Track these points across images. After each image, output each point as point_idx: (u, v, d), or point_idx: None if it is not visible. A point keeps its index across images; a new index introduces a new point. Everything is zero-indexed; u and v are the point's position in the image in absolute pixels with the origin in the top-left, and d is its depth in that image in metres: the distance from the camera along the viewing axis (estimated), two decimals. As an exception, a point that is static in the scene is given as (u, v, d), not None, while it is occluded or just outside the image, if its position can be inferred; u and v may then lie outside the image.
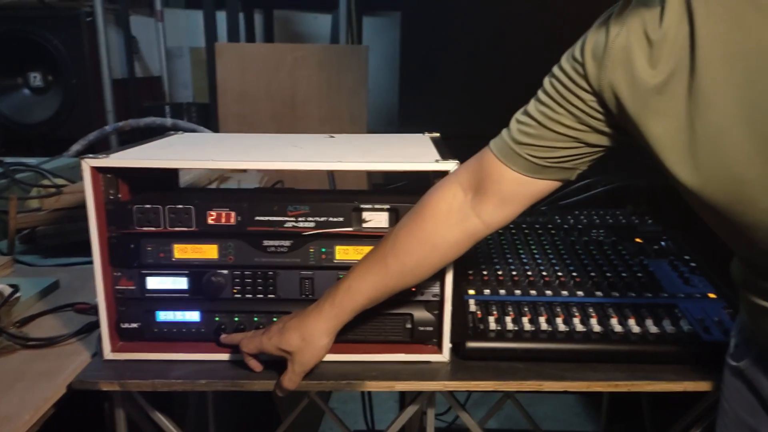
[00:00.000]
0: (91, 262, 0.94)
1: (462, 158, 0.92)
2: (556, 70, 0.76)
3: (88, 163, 0.89)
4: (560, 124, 0.75)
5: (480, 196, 0.84)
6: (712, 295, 1.10)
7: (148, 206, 0.94)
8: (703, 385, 0.95)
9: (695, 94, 0.63)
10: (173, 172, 1.21)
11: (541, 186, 0.82)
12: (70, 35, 2.84)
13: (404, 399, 1.43)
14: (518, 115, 0.81)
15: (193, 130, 2.10)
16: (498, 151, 0.81)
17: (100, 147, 2.24)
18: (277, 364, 0.94)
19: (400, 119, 2.62)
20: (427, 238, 0.87)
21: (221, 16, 2.82)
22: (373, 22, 3.44)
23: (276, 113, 2.65)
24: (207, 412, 1.57)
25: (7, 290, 1.11)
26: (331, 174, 1.44)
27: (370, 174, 2.72)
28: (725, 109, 0.62)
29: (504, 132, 0.82)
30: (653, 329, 1.01)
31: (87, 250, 0.95)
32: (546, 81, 0.77)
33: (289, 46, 2.78)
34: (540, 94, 0.78)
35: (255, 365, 0.95)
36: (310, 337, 0.89)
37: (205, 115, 2.98)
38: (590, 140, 0.76)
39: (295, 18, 3.74)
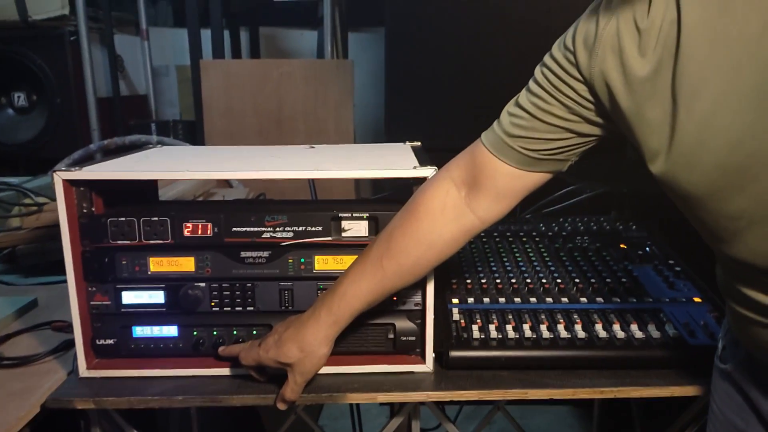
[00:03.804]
0: (70, 280, 0.92)
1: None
2: (547, 59, 0.75)
3: (60, 176, 0.88)
4: (552, 115, 0.74)
5: (474, 192, 0.83)
6: (697, 299, 1.10)
7: (122, 219, 0.92)
8: (690, 390, 0.94)
9: (681, 80, 0.63)
10: (152, 187, 1.19)
11: (535, 179, 0.81)
12: (54, 55, 2.83)
13: (394, 413, 1.41)
14: (510, 107, 0.80)
15: (178, 147, 2.08)
16: (490, 145, 0.80)
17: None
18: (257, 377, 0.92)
19: (386, 133, 2.62)
20: (422, 237, 0.85)
21: (207, 35, 2.82)
22: (359, 38, 3.46)
23: (262, 129, 2.64)
24: (191, 429, 1.54)
25: (-18, 309, 1.09)
26: (312, 185, 1.43)
27: (359, 188, 2.71)
28: (710, 95, 0.61)
29: (495, 125, 0.81)
30: (638, 334, 1.00)
31: (67, 269, 0.93)
32: (537, 71, 0.76)
33: (274, 62, 2.79)
34: (531, 84, 0.77)
35: (257, 376, 0.94)
36: (309, 348, 0.87)
37: (192, 133, 2.96)
38: (582, 130, 0.75)
39: (281, 35, 3.75)
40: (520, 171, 0.80)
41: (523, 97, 0.78)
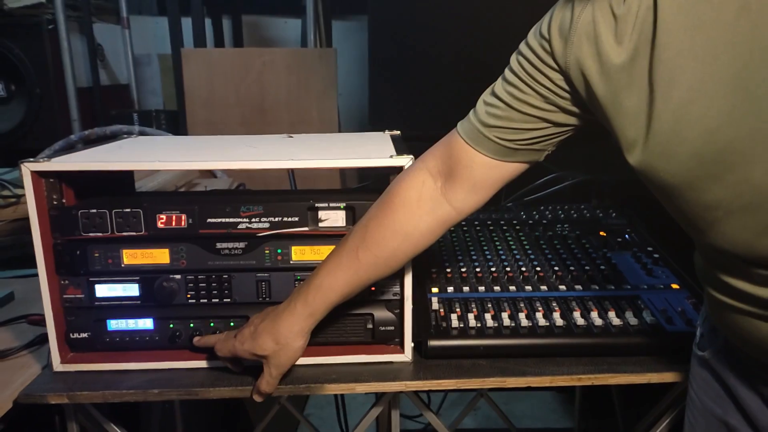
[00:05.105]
0: (47, 273, 0.91)
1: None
2: (523, 47, 0.74)
3: (28, 168, 0.86)
4: (528, 104, 0.73)
5: (451, 183, 0.82)
6: (675, 286, 1.10)
7: (93, 211, 0.91)
8: (667, 376, 0.95)
9: (658, 68, 0.62)
10: (128, 178, 1.17)
11: (511, 169, 0.80)
12: (31, 44, 2.77)
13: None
14: (485, 96, 0.79)
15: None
16: (466, 135, 0.79)
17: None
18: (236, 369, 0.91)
19: (370, 122, 2.60)
20: (398, 228, 0.84)
21: (190, 23, 2.78)
22: (343, 27, 3.43)
23: (245, 118, 2.62)
24: (174, 421, 1.53)
25: (-45, 303, 1.07)
26: (291, 175, 1.42)
27: (344, 178, 2.70)
28: (687, 83, 0.60)
29: (471, 114, 0.80)
30: (616, 321, 1.00)
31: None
32: (513, 59, 0.75)
33: (257, 51, 2.76)
34: (507, 73, 0.76)
35: (233, 368, 0.94)
36: (284, 340, 0.86)
37: (174, 122, 2.93)
38: (558, 120, 0.74)
39: (265, 23, 3.71)
40: (496, 161, 0.79)
41: (498, 86, 0.77)
